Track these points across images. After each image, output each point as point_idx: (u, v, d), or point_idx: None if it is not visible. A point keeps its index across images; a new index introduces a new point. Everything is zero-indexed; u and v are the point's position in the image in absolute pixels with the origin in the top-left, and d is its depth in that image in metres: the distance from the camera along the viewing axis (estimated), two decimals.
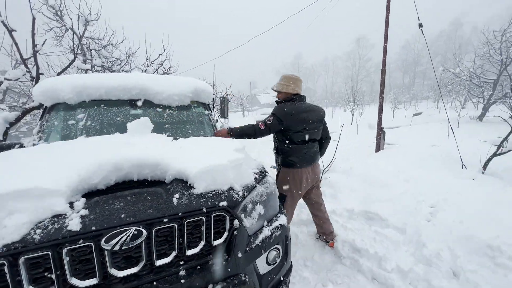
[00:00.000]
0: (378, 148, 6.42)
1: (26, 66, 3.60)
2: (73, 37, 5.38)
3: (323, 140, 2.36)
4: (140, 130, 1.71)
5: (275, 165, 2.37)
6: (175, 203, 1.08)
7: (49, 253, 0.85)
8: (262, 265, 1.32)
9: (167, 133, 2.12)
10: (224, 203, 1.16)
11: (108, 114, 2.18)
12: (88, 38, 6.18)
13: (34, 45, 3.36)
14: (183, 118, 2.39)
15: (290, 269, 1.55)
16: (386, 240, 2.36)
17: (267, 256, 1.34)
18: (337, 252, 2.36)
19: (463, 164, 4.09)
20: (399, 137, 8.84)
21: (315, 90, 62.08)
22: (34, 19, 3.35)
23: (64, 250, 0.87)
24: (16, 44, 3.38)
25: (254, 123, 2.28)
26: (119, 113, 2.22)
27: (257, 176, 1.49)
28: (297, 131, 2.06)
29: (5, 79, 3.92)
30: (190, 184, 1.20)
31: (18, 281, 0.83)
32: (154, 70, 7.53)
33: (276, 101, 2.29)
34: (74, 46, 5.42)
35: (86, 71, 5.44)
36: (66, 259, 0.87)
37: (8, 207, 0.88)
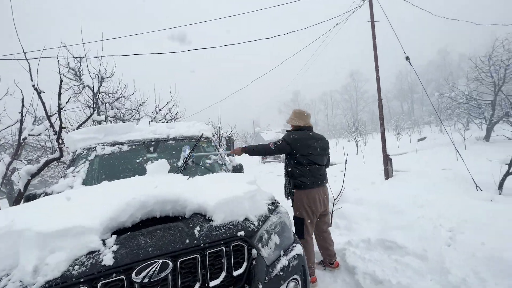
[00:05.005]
0: (388, 175, 6.38)
1: (50, 122, 3.95)
2: (92, 93, 5.96)
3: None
4: (158, 171, 1.85)
5: (285, 191, 2.56)
6: (196, 235, 1.15)
7: (86, 287, 0.91)
8: None
9: (180, 170, 2.24)
10: (241, 232, 1.22)
11: (128, 157, 2.36)
12: (102, 93, 6.80)
13: (59, 104, 3.74)
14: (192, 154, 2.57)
15: None
16: (408, 269, 2.26)
17: (286, 287, 1.34)
18: (358, 285, 2.26)
19: (477, 186, 4.02)
20: (407, 163, 8.77)
21: (316, 123, 63.59)
22: (61, 81, 3.79)
23: (99, 284, 0.93)
24: (43, 103, 3.78)
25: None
26: (138, 156, 2.39)
27: (270, 207, 1.56)
28: (303, 154, 2.35)
29: (29, 135, 4.27)
30: (208, 217, 1.29)
31: None
32: (163, 117, 8.06)
33: (287, 130, 2.64)
34: (92, 101, 5.97)
35: (100, 122, 5.89)
36: None
37: (50, 245, 0.97)
